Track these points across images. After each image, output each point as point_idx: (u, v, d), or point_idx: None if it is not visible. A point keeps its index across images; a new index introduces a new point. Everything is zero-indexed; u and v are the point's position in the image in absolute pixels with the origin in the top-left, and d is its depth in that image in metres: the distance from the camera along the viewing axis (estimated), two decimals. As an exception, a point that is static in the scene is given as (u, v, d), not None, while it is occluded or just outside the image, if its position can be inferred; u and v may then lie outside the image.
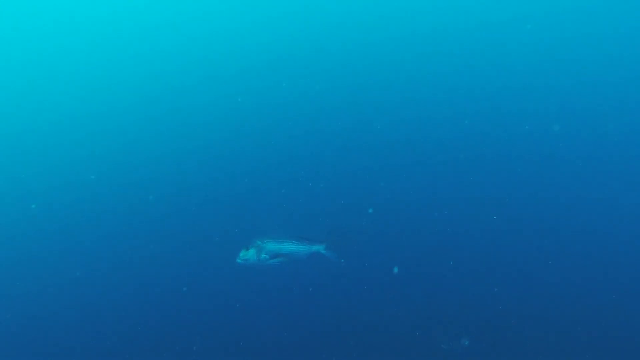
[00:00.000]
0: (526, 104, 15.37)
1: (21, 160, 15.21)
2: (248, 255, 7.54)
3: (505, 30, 23.42)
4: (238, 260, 7.60)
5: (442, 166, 12.81)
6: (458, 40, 22.42)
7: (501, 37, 22.59)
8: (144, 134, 15.73)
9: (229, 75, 20.48)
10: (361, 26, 25.06)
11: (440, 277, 9.16)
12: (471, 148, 13.40)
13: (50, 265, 10.30)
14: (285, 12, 29.14)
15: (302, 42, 23.96)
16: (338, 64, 20.64)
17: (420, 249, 9.79)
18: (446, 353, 7.69)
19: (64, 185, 13.33)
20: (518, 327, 8.13)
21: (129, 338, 8.22)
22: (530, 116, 14.89)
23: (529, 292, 8.77)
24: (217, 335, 8.23)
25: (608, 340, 7.78)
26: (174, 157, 14.00)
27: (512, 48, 21.00)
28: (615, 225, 10.27)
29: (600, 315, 8.19)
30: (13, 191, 13.55)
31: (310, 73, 20.29)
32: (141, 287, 9.21)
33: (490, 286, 8.90)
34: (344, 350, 7.90)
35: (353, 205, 10.77)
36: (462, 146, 13.52)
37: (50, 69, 23.20)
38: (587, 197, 11.12)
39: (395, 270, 9.09)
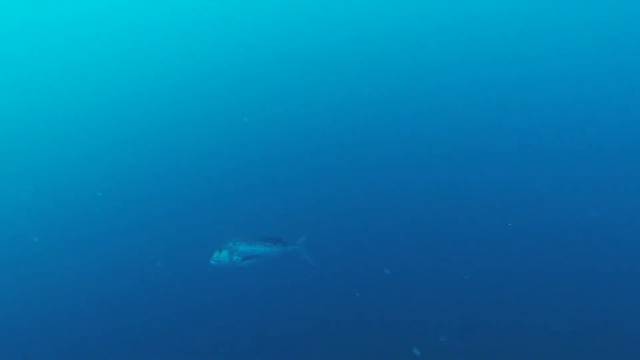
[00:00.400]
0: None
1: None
2: (221, 257, 7.56)
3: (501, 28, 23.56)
4: (211, 262, 7.64)
5: (429, 161, 12.69)
6: (450, 38, 22.51)
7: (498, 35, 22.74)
8: (118, 136, 15.68)
9: (207, 77, 20.39)
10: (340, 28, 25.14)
11: (429, 272, 9.03)
12: (468, 143, 13.39)
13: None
14: (274, 12, 29.09)
15: (289, 41, 23.96)
16: (323, 62, 20.59)
17: (404, 246, 9.70)
18: (444, 346, 7.66)
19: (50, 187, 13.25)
20: (519, 320, 8.01)
21: (102, 344, 8.20)
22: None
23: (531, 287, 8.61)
24: (191, 338, 8.26)
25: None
26: (149, 159, 13.95)
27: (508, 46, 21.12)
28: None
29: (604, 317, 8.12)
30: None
31: (295, 71, 20.22)
32: (113, 290, 9.18)
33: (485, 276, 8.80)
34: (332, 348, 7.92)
35: (330, 206, 10.73)
36: (458, 142, 13.47)
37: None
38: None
39: (387, 272, 9.00)
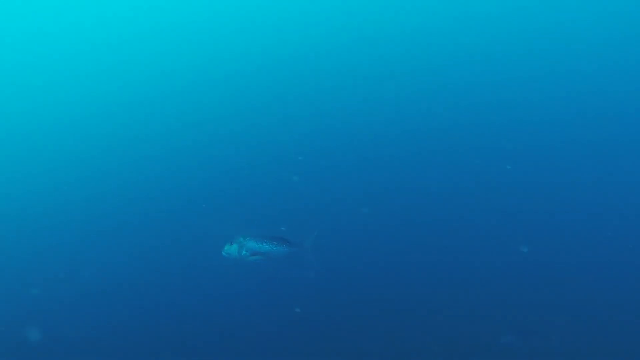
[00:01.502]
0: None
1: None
2: (231, 250, 8.13)
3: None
4: (223, 254, 8.22)
5: (433, 161, 12.75)
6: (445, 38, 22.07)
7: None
8: (127, 135, 16.33)
9: (215, 75, 20.93)
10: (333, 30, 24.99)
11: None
12: (472, 142, 13.30)
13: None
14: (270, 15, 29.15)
15: (294, 43, 24.18)
16: (328, 62, 20.80)
17: (409, 247, 9.77)
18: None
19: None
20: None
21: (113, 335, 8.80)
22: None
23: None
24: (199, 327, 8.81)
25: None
26: (163, 157, 14.52)
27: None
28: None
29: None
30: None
31: (296, 71, 20.55)
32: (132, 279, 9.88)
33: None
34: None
35: (338, 208, 11.04)
36: (461, 141, 13.39)
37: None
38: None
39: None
